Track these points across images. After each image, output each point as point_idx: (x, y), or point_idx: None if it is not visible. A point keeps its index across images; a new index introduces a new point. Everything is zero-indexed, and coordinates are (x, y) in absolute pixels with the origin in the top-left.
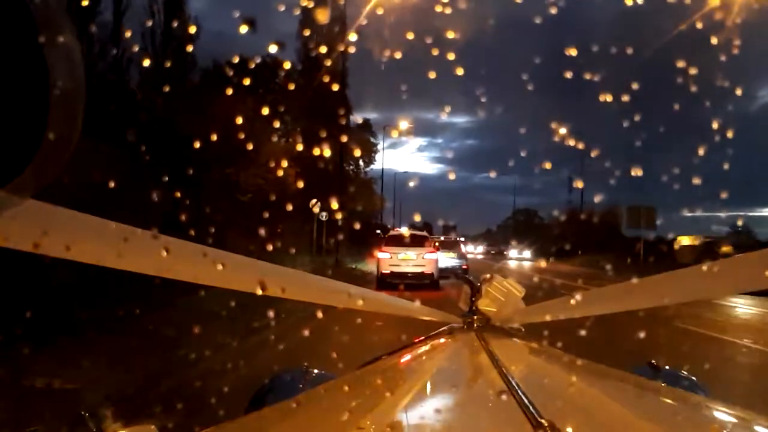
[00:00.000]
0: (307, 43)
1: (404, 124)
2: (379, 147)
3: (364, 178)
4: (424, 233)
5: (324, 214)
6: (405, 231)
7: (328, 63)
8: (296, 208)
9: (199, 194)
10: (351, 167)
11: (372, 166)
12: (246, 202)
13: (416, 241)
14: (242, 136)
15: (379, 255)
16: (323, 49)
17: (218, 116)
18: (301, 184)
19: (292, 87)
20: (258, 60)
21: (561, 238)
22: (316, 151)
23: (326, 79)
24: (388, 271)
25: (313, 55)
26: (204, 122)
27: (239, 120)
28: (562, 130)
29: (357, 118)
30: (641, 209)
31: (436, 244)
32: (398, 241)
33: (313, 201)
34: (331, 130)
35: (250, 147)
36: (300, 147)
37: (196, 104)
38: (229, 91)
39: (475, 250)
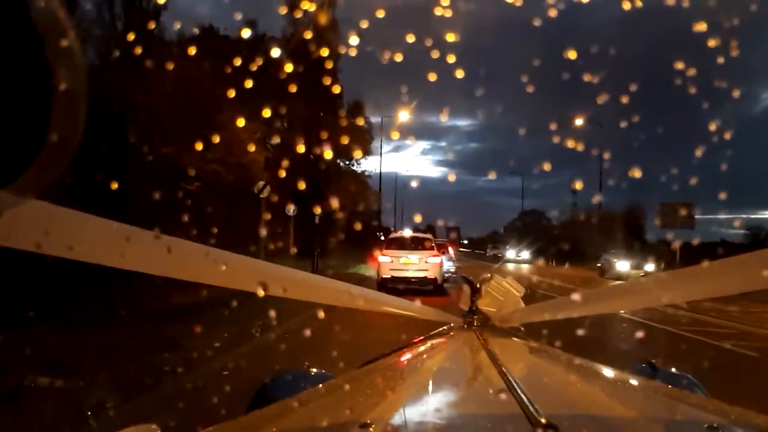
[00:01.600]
0: (289, 10)
1: (404, 115)
2: (376, 137)
3: (357, 173)
4: (428, 235)
5: (292, 207)
6: (407, 233)
7: (311, 30)
8: (268, 203)
9: (122, 176)
10: (343, 159)
11: (368, 159)
12: (194, 191)
13: (419, 244)
14: (192, 111)
15: (380, 258)
16: (306, 14)
17: (158, 84)
18: (274, 175)
19: (261, 57)
20: (220, 26)
21: (576, 241)
22: (295, 138)
23: (311, 49)
24: (389, 276)
25: (295, 22)
26: (141, 91)
27: (187, 92)
28: (565, 132)
29: (354, 116)
30: (677, 206)
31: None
32: (400, 244)
33: (261, 183)
34: (314, 111)
35: (202, 125)
36: (274, 130)
37: (133, 70)
38: (178, 58)
39: (518, 257)
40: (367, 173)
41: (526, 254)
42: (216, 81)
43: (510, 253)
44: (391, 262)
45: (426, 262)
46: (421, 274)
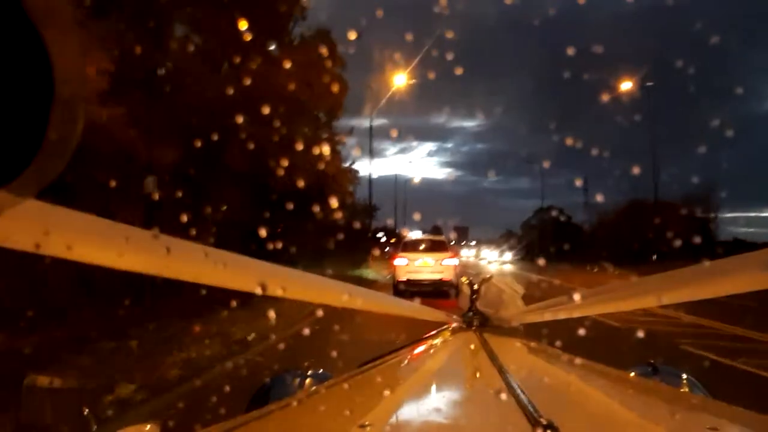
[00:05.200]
0: None
1: (401, 78)
2: (361, 97)
3: (324, 135)
4: (443, 238)
5: (151, 181)
6: (423, 235)
7: None
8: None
9: None
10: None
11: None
12: None
13: (434, 247)
14: None
15: (395, 261)
16: None
17: None
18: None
19: None
20: None
21: (619, 239)
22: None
23: None
24: (405, 279)
25: None
26: None
27: None
28: (571, 132)
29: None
30: None
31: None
32: (415, 247)
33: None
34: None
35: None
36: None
37: None
38: None
39: None
40: (340, 134)
41: None
42: None
43: None
44: (407, 265)
45: (441, 264)
46: (437, 277)
